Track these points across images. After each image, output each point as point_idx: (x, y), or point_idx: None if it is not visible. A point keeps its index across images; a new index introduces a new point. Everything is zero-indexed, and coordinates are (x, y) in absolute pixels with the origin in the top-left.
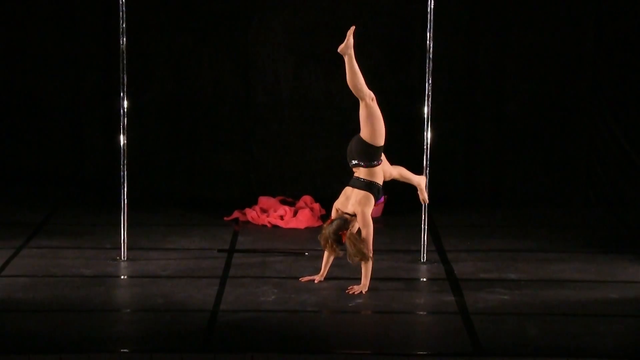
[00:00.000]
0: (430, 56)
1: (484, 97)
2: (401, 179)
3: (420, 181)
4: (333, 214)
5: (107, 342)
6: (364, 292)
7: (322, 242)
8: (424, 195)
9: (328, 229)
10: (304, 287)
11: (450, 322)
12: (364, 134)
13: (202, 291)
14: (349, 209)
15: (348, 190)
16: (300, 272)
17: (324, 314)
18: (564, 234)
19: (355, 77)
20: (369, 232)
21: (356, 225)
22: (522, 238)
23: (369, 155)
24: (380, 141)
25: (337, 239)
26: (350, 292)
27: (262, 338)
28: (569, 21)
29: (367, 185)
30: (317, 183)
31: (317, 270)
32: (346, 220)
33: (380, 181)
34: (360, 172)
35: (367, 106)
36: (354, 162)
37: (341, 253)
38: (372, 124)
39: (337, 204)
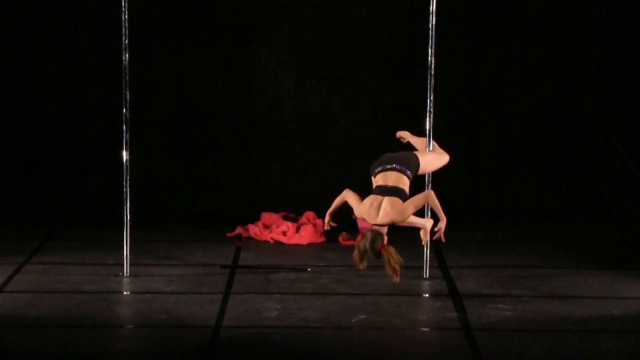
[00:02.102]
0: (432, 72)
1: (486, 113)
2: (404, 224)
3: (426, 224)
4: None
5: (109, 359)
6: (443, 227)
7: (357, 258)
8: (426, 238)
9: (364, 243)
10: (307, 303)
11: (452, 338)
12: (423, 160)
13: (205, 307)
14: (380, 220)
15: (373, 197)
16: (303, 288)
17: (326, 330)
18: (566, 250)
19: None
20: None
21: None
22: (524, 254)
23: (412, 170)
24: (417, 172)
25: (376, 253)
26: (437, 235)
27: (265, 354)
28: (572, 37)
29: (398, 192)
30: (320, 199)
31: (320, 287)
32: (379, 232)
33: (408, 191)
34: (389, 179)
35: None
36: (391, 166)
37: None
38: (433, 166)
39: (362, 214)
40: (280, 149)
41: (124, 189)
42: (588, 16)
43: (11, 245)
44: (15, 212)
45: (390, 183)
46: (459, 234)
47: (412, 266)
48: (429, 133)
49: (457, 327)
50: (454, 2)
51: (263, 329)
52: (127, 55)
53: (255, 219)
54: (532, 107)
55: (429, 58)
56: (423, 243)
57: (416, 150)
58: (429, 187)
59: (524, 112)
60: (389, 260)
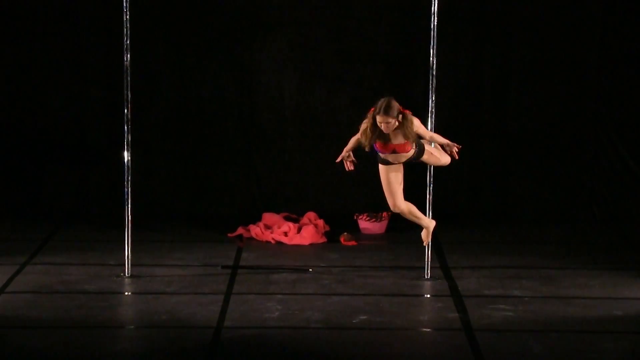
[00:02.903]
0: (434, 73)
1: (487, 113)
2: (409, 217)
3: (430, 224)
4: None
5: (111, 359)
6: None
7: (379, 113)
8: (427, 239)
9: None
10: (308, 304)
11: (454, 339)
12: (428, 148)
13: (206, 307)
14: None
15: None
16: (304, 289)
17: (328, 331)
18: (568, 251)
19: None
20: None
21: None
22: (526, 254)
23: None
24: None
25: (393, 106)
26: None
27: (266, 354)
28: (574, 38)
29: None
30: (321, 199)
31: (322, 287)
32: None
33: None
34: None
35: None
36: None
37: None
38: (434, 159)
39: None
40: (281, 149)
41: (125, 189)
42: (589, 16)
43: (12, 245)
44: (17, 213)
45: None
46: (460, 234)
47: (413, 267)
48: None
49: (459, 327)
50: (455, 3)
51: (264, 329)
52: (128, 55)
53: (256, 219)
54: (533, 108)
55: (431, 58)
56: (425, 244)
57: None
58: (430, 187)
59: (526, 113)
60: (410, 123)
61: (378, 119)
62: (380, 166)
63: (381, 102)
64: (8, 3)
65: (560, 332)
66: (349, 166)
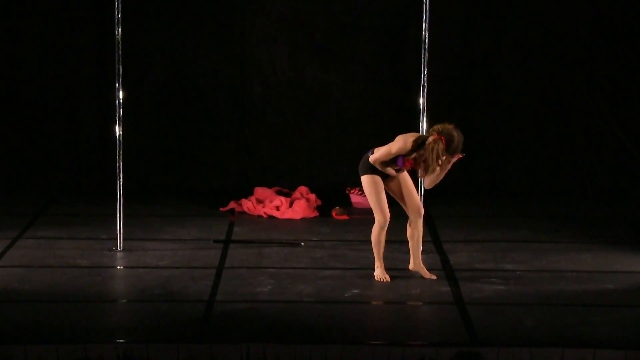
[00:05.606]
0: (426, 47)
1: (480, 87)
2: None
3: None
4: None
5: (103, 333)
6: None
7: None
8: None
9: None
10: (300, 278)
11: (446, 313)
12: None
13: (198, 282)
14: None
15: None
16: (296, 263)
17: (320, 304)
18: (560, 225)
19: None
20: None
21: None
22: (518, 228)
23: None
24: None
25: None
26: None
27: (258, 328)
28: (566, 11)
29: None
30: (313, 174)
31: (313, 261)
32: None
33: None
34: None
35: None
36: None
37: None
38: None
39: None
40: (273, 124)
41: (117, 164)
42: None
43: (4, 220)
44: (8, 187)
45: None
46: (453, 209)
47: (405, 240)
48: (423, 107)
49: (451, 301)
50: None
51: (256, 303)
52: (119, 29)
53: (248, 193)
54: (526, 82)
55: (423, 32)
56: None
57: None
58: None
59: (518, 87)
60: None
61: (453, 156)
62: (376, 178)
63: (457, 140)
64: None
65: (552, 306)
66: None
